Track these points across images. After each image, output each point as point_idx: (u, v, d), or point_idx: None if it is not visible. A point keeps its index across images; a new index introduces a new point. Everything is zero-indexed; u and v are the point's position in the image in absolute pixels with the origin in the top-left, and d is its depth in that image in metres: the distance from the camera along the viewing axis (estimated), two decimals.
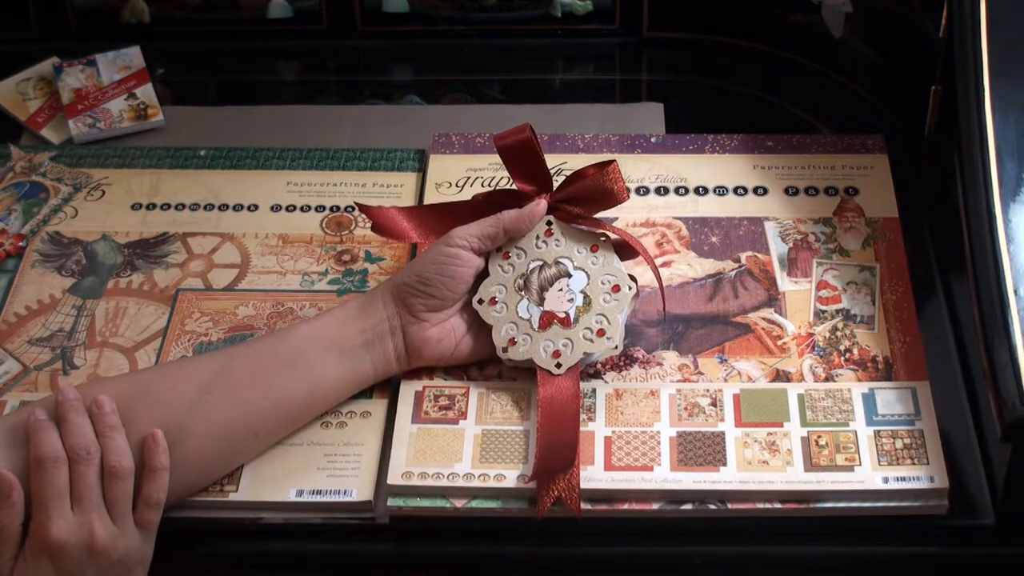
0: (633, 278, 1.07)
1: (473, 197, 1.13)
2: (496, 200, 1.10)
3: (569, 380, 1.04)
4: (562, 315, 1.06)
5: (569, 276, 1.07)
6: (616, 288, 1.06)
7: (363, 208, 1.11)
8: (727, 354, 1.08)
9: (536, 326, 1.06)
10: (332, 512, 1.01)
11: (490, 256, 1.09)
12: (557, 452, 0.99)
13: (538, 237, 1.09)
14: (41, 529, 0.93)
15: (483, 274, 1.08)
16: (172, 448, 0.97)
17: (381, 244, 1.19)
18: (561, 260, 1.08)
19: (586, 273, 1.07)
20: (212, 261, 1.18)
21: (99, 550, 0.93)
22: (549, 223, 1.09)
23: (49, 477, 0.94)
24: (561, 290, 1.07)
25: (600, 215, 1.10)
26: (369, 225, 1.18)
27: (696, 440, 1.02)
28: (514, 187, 1.11)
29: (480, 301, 1.07)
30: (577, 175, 1.09)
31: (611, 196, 1.08)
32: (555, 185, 1.10)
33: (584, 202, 1.08)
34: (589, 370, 1.07)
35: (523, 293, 1.07)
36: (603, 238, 1.09)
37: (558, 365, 1.04)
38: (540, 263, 1.08)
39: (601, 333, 1.05)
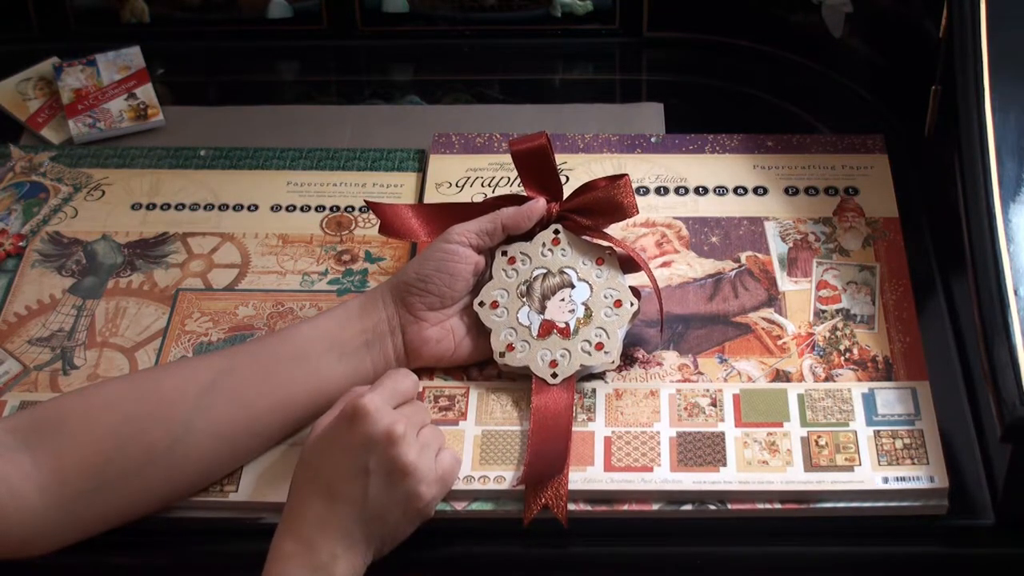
0: (636, 293, 1.07)
1: (485, 199, 1.13)
2: (506, 204, 1.10)
3: (564, 391, 1.04)
4: (562, 325, 1.06)
5: (572, 287, 1.07)
6: (618, 303, 1.06)
7: (372, 205, 1.11)
8: (727, 354, 1.08)
9: (535, 334, 1.06)
10: None
11: (495, 260, 1.09)
12: (547, 460, 0.99)
13: (544, 245, 1.09)
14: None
15: (484, 276, 1.09)
16: (173, 447, 0.97)
17: (381, 244, 1.19)
18: (566, 270, 1.08)
19: (589, 285, 1.07)
20: (212, 261, 1.18)
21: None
22: (556, 232, 1.09)
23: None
24: (563, 300, 1.07)
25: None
26: (371, 226, 1.18)
27: (696, 440, 1.02)
28: (524, 192, 1.11)
29: (481, 304, 1.07)
30: (588, 186, 1.09)
31: (621, 210, 1.08)
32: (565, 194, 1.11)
33: (593, 214, 1.08)
34: None
35: (525, 300, 1.07)
36: (609, 251, 1.08)
37: (554, 375, 1.04)
38: (544, 271, 1.08)
39: (600, 347, 1.05)
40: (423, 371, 1.07)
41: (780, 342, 1.09)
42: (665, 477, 1.00)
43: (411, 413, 0.98)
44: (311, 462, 0.96)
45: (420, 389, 1.04)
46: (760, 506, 0.99)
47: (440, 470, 0.98)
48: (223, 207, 1.23)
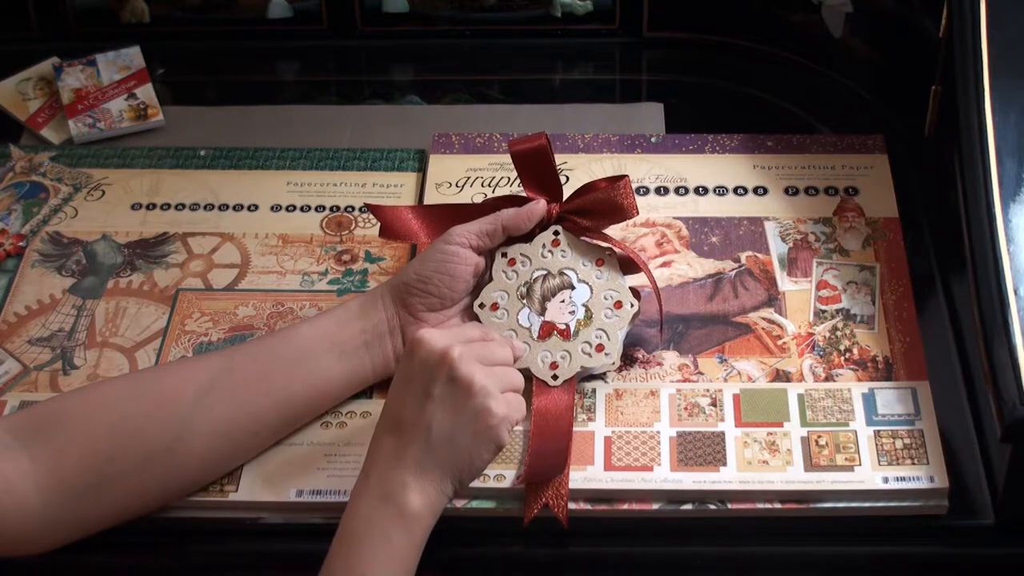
0: (636, 294, 1.07)
1: (485, 200, 1.13)
2: (506, 205, 1.10)
3: (564, 392, 1.04)
4: (562, 327, 1.06)
5: (572, 288, 1.07)
6: (618, 304, 1.06)
7: (372, 208, 1.11)
8: (727, 354, 1.08)
9: (535, 335, 1.06)
10: (332, 512, 1.00)
11: (495, 262, 1.09)
12: (547, 461, 0.99)
13: (544, 246, 1.09)
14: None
15: (484, 278, 1.08)
16: (172, 446, 0.97)
17: (381, 244, 1.19)
18: (566, 271, 1.08)
19: (589, 287, 1.07)
20: (212, 261, 1.18)
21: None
22: (556, 233, 1.09)
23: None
24: (563, 301, 1.07)
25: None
26: (371, 226, 1.18)
27: (696, 440, 1.02)
28: (524, 193, 1.11)
29: (481, 305, 1.07)
30: (588, 187, 1.09)
31: (621, 211, 1.08)
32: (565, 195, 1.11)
33: (593, 215, 1.08)
34: None
35: (525, 301, 1.07)
36: (609, 253, 1.08)
37: (554, 377, 1.04)
38: (544, 272, 1.08)
39: (600, 348, 1.05)
40: None
41: (780, 342, 1.09)
42: (665, 477, 1.00)
43: (476, 346, 0.97)
44: (383, 409, 0.96)
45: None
46: (760, 506, 0.99)
47: (509, 396, 0.97)
48: (223, 207, 1.23)
